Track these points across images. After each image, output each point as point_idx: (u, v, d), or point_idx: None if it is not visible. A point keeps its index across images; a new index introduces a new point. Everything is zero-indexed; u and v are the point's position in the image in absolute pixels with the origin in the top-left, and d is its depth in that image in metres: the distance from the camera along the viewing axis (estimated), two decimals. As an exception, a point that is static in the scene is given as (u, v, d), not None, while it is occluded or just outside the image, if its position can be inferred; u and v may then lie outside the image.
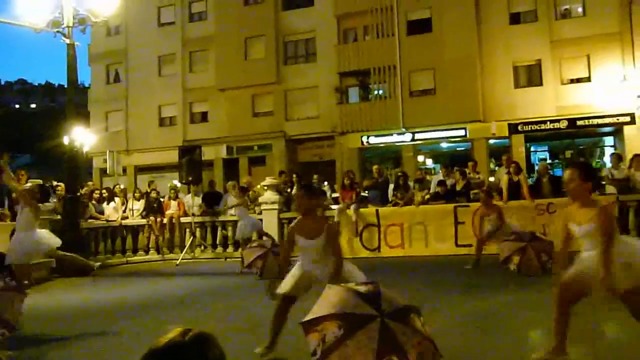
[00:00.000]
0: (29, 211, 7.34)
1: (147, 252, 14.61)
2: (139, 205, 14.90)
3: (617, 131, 23.84)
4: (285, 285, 4.92)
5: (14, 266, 7.32)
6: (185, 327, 1.45)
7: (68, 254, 10.64)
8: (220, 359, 1.43)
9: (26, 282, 7.10)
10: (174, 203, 14.73)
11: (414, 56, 25.45)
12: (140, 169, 30.96)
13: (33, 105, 67.56)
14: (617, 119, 23.18)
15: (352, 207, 12.92)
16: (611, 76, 22.66)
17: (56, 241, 7.87)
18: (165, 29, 31.34)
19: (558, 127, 23.98)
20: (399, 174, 14.33)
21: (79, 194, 13.07)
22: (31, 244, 7.37)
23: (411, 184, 13.78)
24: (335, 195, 14.52)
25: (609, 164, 14.45)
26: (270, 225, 13.34)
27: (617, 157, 13.41)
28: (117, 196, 15.01)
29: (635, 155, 12.91)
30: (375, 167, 15.29)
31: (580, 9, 24.55)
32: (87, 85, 40.15)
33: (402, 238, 12.63)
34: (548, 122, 24.07)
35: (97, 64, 32.86)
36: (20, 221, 7.46)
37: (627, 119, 22.88)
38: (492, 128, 24.57)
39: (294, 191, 14.18)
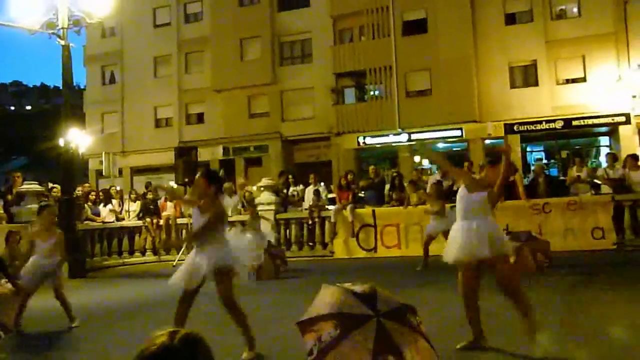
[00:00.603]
0: None
1: (143, 253, 14.59)
2: (135, 206, 14.88)
3: (613, 131, 23.93)
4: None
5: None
6: (174, 328, 1.44)
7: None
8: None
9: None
10: (170, 204, 14.71)
11: (410, 57, 25.48)
12: (137, 171, 30.90)
13: (28, 107, 67.35)
14: (613, 119, 23.27)
15: (349, 207, 12.93)
16: (606, 76, 22.75)
17: None
18: (161, 30, 31.30)
19: (554, 127, 24.05)
20: (394, 174, 14.35)
21: (74, 195, 13.02)
22: None
23: (406, 184, 13.80)
24: (331, 195, 14.53)
25: (604, 164, 14.51)
26: (268, 226, 13.33)
27: (613, 157, 13.46)
28: (113, 198, 14.97)
29: (629, 156, 12.98)
30: (371, 167, 15.31)
31: (575, 9, 24.63)
32: (82, 86, 40.04)
33: (399, 238, 12.64)
34: (544, 122, 24.14)
35: (92, 65, 32.78)
36: None
37: (622, 119, 22.96)
38: (488, 128, 24.63)
39: (290, 191, 14.21)
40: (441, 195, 10.38)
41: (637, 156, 13.12)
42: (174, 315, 5.05)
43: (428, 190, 11.26)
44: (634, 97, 21.04)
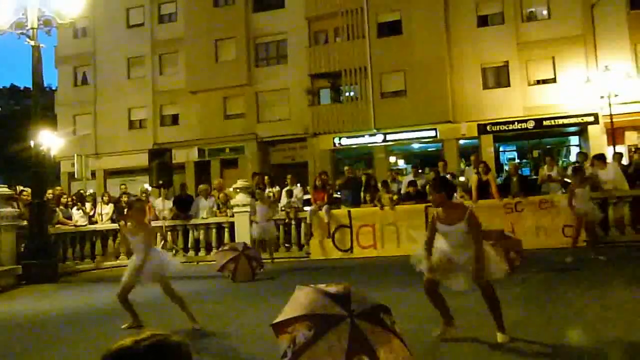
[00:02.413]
0: None
1: (117, 257, 14.40)
2: (108, 209, 14.68)
3: (582, 131, 24.45)
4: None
5: None
6: (147, 333, 1.41)
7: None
8: None
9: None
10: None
11: (385, 58, 25.66)
12: (110, 173, 30.46)
13: (-3, 109, 65.97)
14: (582, 119, 23.78)
15: (324, 208, 12.96)
16: (575, 77, 23.24)
17: None
18: (134, 31, 30.93)
19: (525, 127, 24.47)
20: (365, 176, 14.50)
21: (45, 199, 12.79)
22: None
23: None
24: (307, 197, 14.54)
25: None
26: (243, 227, 13.30)
27: (583, 156, 13.77)
28: (86, 201, 14.75)
29: (595, 156, 13.28)
30: (346, 168, 15.38)
31: (545, 12, 25.10)
32: (53, 87, 39.30)
33: (374, 238, 12.72)
34: (516, 122, 24.54)
35: (64, 66, 32.20)
36: None
37: (591, 118, 23.49)
38: (461, 128, 24.95)
39: (266, 192, 14.17)
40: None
41: (604, 155, 13.44)
42: None
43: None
44: (602, 97, 21.51)
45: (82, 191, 15.65)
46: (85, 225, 14.15)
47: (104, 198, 15.13)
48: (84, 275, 13.06)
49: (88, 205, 14.63)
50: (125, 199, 14.93)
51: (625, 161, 15.21)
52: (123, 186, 16.95)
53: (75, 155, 19.43)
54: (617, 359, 4.53)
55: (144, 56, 30.60)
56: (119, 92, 30.20)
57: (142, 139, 28.84)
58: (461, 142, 25.76)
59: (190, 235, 14.17)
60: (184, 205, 14.46)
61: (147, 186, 16.73)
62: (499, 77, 25.38)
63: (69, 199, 14.88)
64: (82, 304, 8.93)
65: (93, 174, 26.27)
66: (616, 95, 21.29)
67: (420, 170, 15.62)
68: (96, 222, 14.51)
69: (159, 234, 14.08)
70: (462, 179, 15.47)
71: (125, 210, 13.43)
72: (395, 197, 12.95)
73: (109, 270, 13.55)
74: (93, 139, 30.90)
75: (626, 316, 5.74)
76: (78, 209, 14.30)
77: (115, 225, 14.36)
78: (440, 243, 5.30)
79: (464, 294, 5.55)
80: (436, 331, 5.24)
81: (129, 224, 6.79)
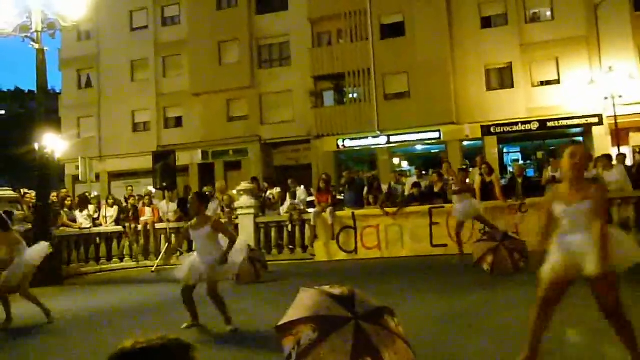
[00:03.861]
0: None
1: (121, 259, 14.44)
2: (113, 212, 14.72)
3: (586, 132, 24.37)
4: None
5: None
6: (153, 335, 1.41)
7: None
8: None
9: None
10: (148, 209, 14.58)
11: (388, 59, 25.66)
12: (114, 176, 30.54)
13: (2, 112, 66.21)
14: (586, 120, 23.72)
15: (328, 210, 12.96)
16: (579, 78, 23.18)
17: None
18: (138, 34, 31.02)
19: (529, 128, 24.42)
20: (371, 178, 14.50)
21: (50, 201, 12.83)
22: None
23: (385, 186, 13.92)
24: (311, 198, 14.55)
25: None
26: (247, 229, 13.31)
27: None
28: (90, 203, 14.79)
29: (602, 156, 13.26)
30: (345, 173, 15.38)
31: (549, 13, 25.06)
32: (58, 90, 39.44)
33: (379, 239, 12.71)
34: (519, 124, 24.49)
35: (68, 69, 32.33)
36: None
37: (595, 120, 23.42)
38: (465, 130, 24.91)
39: (267, 195, 14.22)
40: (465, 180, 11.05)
41: (610, 156, 13.43)
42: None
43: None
44: (606, 98, 21.46)
45: (86, 194, 15.68)
46: (90, 227, 14.18)
47: (109, 200, 15.17)
48: (88, 277, 13.10)
49: (92, 208, 14.66)
50: (132, 201, 14.98)
51: (629, 162, 15.18)
52: (130, 188, 17.00)
53: (80, 157, 19.43)
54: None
55: (148, 59, 30.69)
56: (122, 95, 30.29)
57: (146, 142, 28.91)
58: (465, 143, 25.72)
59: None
60: (188, 208, 14.48)
61: (151, 188, 16.78)
62: (502, 78, 25.34)
63: (74, 201, 14.93)
64: (87, 307, 8.96)
65: (97, 177, 26.31)
66: (620, 96, 21.23)
67: (424, 172, 15.60)
68: (101, 225, 14.54)
69: (163, 236, 14.14)
70: (467, 180, 15.42)
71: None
72: (393, 209, 12.76)
73: (114, 273, 13.60)
74: (97, 142, 31.00)
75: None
76: (82, 212, 14.34)
77: (119, 228, 14.41)
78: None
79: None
80: None
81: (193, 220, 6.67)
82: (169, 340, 1.35)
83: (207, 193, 13.45)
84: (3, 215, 7.62)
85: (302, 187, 15.48)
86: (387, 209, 12.66)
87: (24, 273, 7.22)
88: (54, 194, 14.45)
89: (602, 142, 22.90)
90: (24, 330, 7.30)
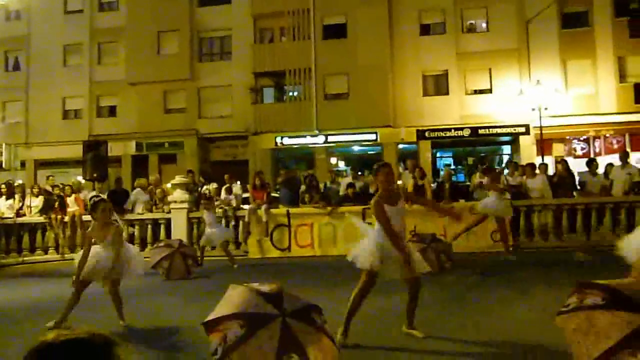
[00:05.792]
0: None
1: (46, 251, 13.86)
2: (38, 201, 14.10)
3: (514, 140, 25.56)
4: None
5: None
6: (73, 330, 1.40)
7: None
8: None
9: None
10: (71, 199, 14.00)
11: (329, 60, 25.90)
12: (42, 164, 29.14)
13: None
14: (514, 129, 24.87)
15: (263, 207, 12.98)
16: (509, 89, 24.26)
17: None
18: (72, 17, 29.74)
19: (462, 134, 25.32)
20: (308, 176, 14.61)
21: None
22: None
23: (321, 185, 14.07)
24: (246, 195, 14.50)
25: (506, 171, 15.50)
26: (179, 224, 13.12)
27: (514, 165, 14.47)
28: (15, 192, 14.10)
29: (528, 164, 14.00)
30: (282, 171, 15.44)
31: (484, 25, 26.07)
32: (-18, 71, 37.21)
33: (312, 238, 12.85)
34: (453, 130, 25.35)
35: (-6, 50, 30.57)
36: None
37: (523, 129, 24.60)
38: (401, 133, 25.53)
39: (203, 190, 14.05)
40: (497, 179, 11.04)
41: (534, 165, 14.20)
42: None
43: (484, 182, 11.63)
44: (533, 109, 22.56)
45: (10, 181, 14.94)
46: (13, 217, 13.53)
47: (34, 190, 14.51)
48: (8, 270, 12.50)
49: (16, 197, 13.98)
50: (57, 191, 14.39)
51: (551, 171, 16.07)
52: (52, 178, 16.28)
53: (4, 144, 18.46)
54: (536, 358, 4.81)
55: (82, 44, 29.46)
56: (53, 80, 28.94)
57: (76, 130, 27.79)
58: (400, 146, 26.34)
59: (125, 230, 13.80)
60: (119, 200, 14.07)
61: (80, 179, 16.18)
62: (438, 85, 26.13)
63: (1, 188, 14.18)
64: (6, 300, 8.57)
65: (23, 164, 25.10)
66: (546, 109, 22.38)
67: (359, 173, 15.88)
68: (24, 215, 13.90)
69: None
70: (399, 182, 15.85)
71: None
72: (328, 209, 12.92)
73: (35, 265, 13.05)
74: (24, 128, 29.48)
75: (546, 317, 6.09)
76: (7, 200, 13.65)
77: (44, 219, 13.81)
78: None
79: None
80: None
81: (94, 223, 6.54)
82: (93, 334, 1.35)
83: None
84: None
85: (239, 183, 15.40)
86: (320, 208, 12.81)
87: None
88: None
89: (528, 151, 24.10)
90: None
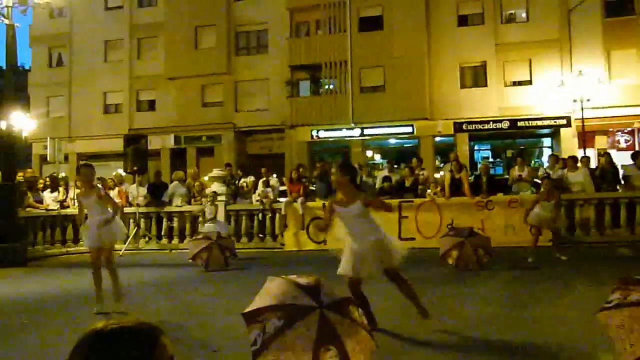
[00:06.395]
0: None
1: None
2: (81, 194, 14.49)
3: (555, 133, 24.95)
4: None
5: None
6: (124, 318, 1.44)
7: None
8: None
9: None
10: (115, 193, 14.37)
11: (365, 52, 25.76)
12: (83, 157, 29.94)
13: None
14: (555, 122, 24.28)
15: (300, 200, 13.04)
16: (550, 80, 23.66)
17: None
18: (113, 13, 30.42)
19: (500, 127, 24.86)
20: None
21: (16, 181, 12.60)
22: None
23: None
24: (283, 188, 14.60)
25: (546, 164, 15.19)
26: (217, 217, 13.29)
27: (555, 159, 14.12)
28: (59, 185, 14.55)
29: (570, 157, 13.65)
30: (318, 164, 15.45)
31: (524, 15, 25.47)
32: (27, 67, 38.45)
33: (348, 231, 12.82)
34: (491, 122, 24.91)
35: (38, 46, 31.52)
36: None
37: (564, 121, 23.99)
38: (438, 126, 25.23)
39: (240, 183, 14.20)
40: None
41: (576, 158, 13.82)
42: None
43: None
44: (575, 101, 21.97)
45: (54, 174, 15.42)
46: (57, 209, 13.97)
47: (77, 182, 14.92)
48: (53, 260, 12.92)
49: (61, 190, 14.42)
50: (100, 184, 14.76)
51: (593, 164, 15.64)
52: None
53: (48, 138, 19.05)
54: (570, 356, 4.71)
55: (122, 40, 30.14)
56: (94, 75, 29.68)
57: (117, 124, 28.46)
58: (437, 139, 26.05)
59: (164, 222, 14.11)
60: (158, 192, 14.38)
61: (121, 172, 16.57)
62: (476, 76, 25.71)
63: (46, 181, 14.64)
64: (50, 289, 8.87)
65: (66, 158, 25.84)
66: (588, 100, 21.77)
67: (395, 166, 15.79)
68: (68, 207, 14.33)
69: (132, 220, 14.02)
70: (437, 175, 15.71)
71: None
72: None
73: (80, 256, 13.43)
74: (67, 122, 30.38)
75: (586, 313, 5.94)
76: (52, 193, 14.10)
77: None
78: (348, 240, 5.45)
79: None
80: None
81: (81, 188, 6.97)
82: (140, 323, 1.39)
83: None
84: None
85: (275, 176, 15.52)
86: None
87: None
88: (21, 174, 14.18)
89: (569, 144, 23.49)
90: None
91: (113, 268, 6.69)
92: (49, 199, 14.03)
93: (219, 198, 13.44)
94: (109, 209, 6.71)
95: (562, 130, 24.24)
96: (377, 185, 13.66)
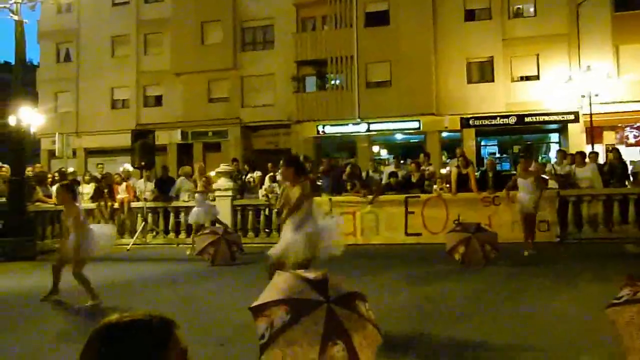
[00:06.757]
0: None
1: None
2: (89, 188, 14.60)
3: (562, 128, 24.83)
4: None
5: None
6: (136, 311, 1.45)
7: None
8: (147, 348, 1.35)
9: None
10: (122, 187, 14.45)
11: (371, 48, 25.70)
12: (91, 152, 30.14)
13: (-24, 82, 64.58)
14: (563, 117, 24.15)
15: (306, 195, 13.02)
16: (558, 76, 23.53)
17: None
18: (119, 9, 30.48)
19: (507, 122, 24.76)
20: (351, 165, 14.55)
21: (25, 176, 12.69)
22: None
23: (363, 174, 14.01)
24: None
25: (554, 160, 15.11)
26: (224, 212, 13.33)
27: (562, 154, 14.04)
28: (68, 180, 14.64)
29: (578, 153, 13.57)
30: (324, 159, 15.44)
31: (532, 9, 25.32)
32: (35, 63, 38.60)
33: (354, 226, 12.85)
34: (498, 118, 24.81)
35: (46, 42, 31.63)
36: None
37: (572, 117, 23.86)
38: (444, 121, 25.16)
39: (247, 178, 14.22)
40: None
41: (584, 153, 13.74)
42: None
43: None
44: (583, 96, 21.84)
45: (63, 169, 15.52)
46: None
47: (85, 177, 15.03)
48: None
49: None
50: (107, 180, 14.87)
51: (601, 160, 15.55)
52: (100, 167, 16.81)
53: (57, 133, 19.17)
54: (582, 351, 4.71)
55: (129, 35, 30.20)
56: (102, 71, 29.80)
57: (124, 119, 28.56)
58: (444, 134, 25.99)
59: (171, 217, 14.17)
60: (165, 187, 14.45)
61: (128, 167, 16.64)
62: (483, 72, 25.60)
63: (55, 176, 14.75)
64: (61, 282, 8.91)
65: (74, 153, 26.00)
66: (596, 95, 21.64)
67: (402, 161, 15.77)
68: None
69: (139, 215, 14.10)
70: (444, 171, 15.67)
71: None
72: (369, 197, 12.84)
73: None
74: (74, 117, 30.52)
75: (591, 309, 5.94)
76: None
77: (95, 206, 14.30)
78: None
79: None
80: None
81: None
82: (152, 316, 1.40)
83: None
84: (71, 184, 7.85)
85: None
86: (361, 196, 12.79)
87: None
88: (30, 169, 14.27)
89: (577, 139, 23.36)
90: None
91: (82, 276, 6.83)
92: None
93: (226, 193, 13.49)
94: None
95: (570, 125, 24.11)
96: (384, 181, 13.65)
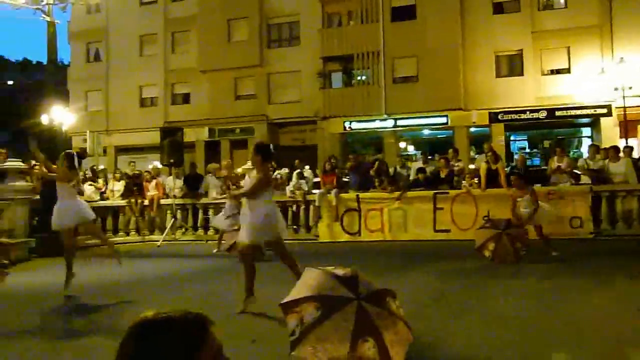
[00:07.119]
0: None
1: (127, 233, 14.59)
2: (119, 186, 14.85)
3: (595, 122, 24.27)
4: None
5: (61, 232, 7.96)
6: (173, 308, 1.45)
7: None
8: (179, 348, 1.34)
9: (6, 261, 7.14)
10: (152, 185, 14.65)
11: (398, 43, 25.50)
12: (121, 150, 30.66)
13: (10, 82, 66.13)
14: (595, 111, 23.60)
15: (333, 191, 13.04)
16: (590, 68, 23.01)
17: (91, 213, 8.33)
18: (147, 8, 30.89)
19: (537, 117, 24.33)
20: (377, 161, 14.48)
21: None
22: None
23: (390, 170, 13.93)
24: (316, 179, 14.61)
25: (586, 154, 14.75)
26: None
27: (595, 149, 13.70)
28: (99, 177, 14.94)
29: (612, 147, 13.22)
30: (351, 156, 15.38)
31: (562, 1, 24.79)
32: (66, 62, 39.42)
33: (382, 223, 12.78)
34: (527, 112, 24.40)
35: (76, 42, 32.29)
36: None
37: (604, 110, 23.31)
38: (472, 116, 24.83)
39: (274, 175, 14.23)
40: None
41: (618, 148, 13.38)
42: None
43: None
44: (616, 89, 21.32)
45: (94, 167, 15.82)
46: (97, 200, 14.32)
47: (116, 175, 15.29)
48: (93, 250, 13.23)
49: (101, 182, 14.80)
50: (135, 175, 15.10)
51: (636, 154, 15.15)
52: (132, 165, 17.10)
53: (88, 131, 19.57)
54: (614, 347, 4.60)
55: (157, 34, 30.60)
56: (130, 70, 30.26)
57: (153, 117, 28.96)
58: (472, 130, 25.66)
59: (200, 214, 14.31)
60: (193, 184, 14.60)
61: (158, 164, 16.87)
62: (512, 65, 25.19)
63: (84, 174, 15.04)
64: (91, 278, 9.10)
65: (104, 151, 26.48)
66: (630, 88, 21.10)
67: (430, 157, 15.63)
68: (107, 199, 14.68)
69: (169, 212, 14.27)
70: (472, 166, 15.47)
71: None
72: (396, 193, 12.69)
73: (120, 247, 13.73)
74: (104, 116, 31.08)
75: (624, 308, 5.79)
76: (91, 184, 14.47)
77: (125, 202, 14.54)
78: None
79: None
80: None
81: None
82: (189, 313, 1.40)
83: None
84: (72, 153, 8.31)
85: (308, 167, 15.54)
86: (390, 193, 12.70)
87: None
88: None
89: (610, 133, 22.81)
90: (30, 299, 7.45)
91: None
92: (90, 190, 14.38)
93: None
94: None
95: (602, 119, 23.56)
96: (412, 177, 13.55)
